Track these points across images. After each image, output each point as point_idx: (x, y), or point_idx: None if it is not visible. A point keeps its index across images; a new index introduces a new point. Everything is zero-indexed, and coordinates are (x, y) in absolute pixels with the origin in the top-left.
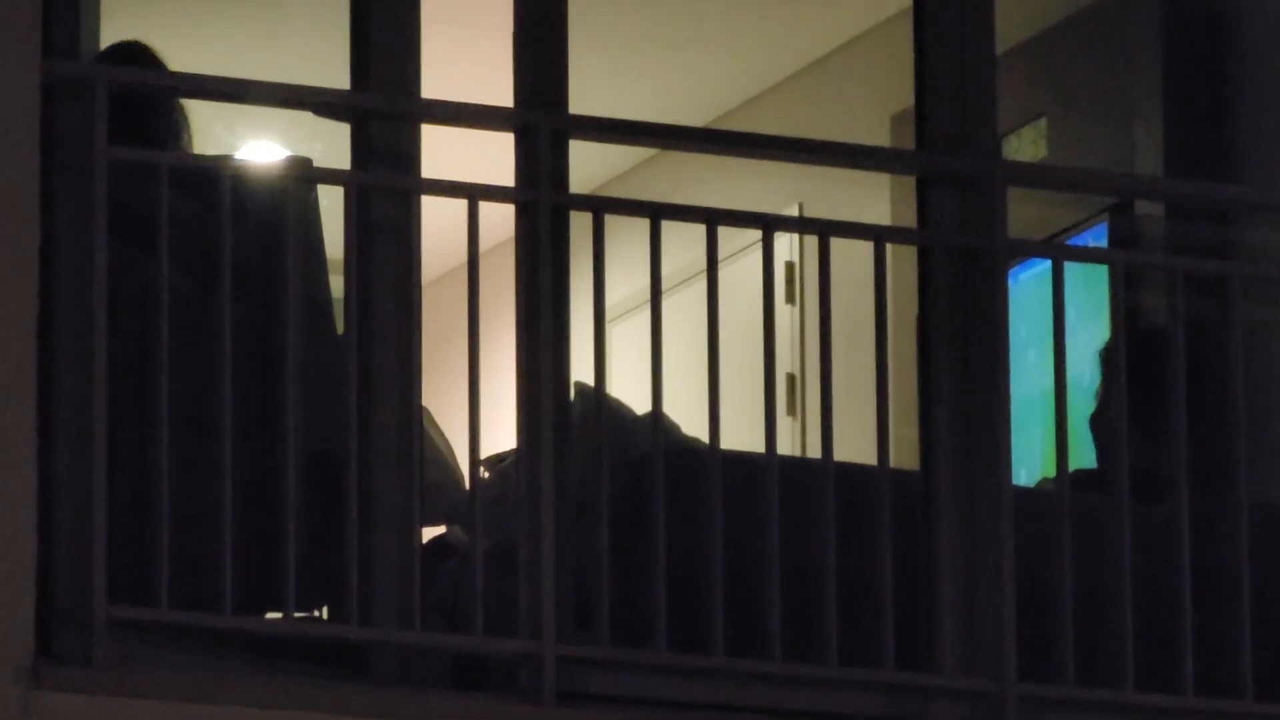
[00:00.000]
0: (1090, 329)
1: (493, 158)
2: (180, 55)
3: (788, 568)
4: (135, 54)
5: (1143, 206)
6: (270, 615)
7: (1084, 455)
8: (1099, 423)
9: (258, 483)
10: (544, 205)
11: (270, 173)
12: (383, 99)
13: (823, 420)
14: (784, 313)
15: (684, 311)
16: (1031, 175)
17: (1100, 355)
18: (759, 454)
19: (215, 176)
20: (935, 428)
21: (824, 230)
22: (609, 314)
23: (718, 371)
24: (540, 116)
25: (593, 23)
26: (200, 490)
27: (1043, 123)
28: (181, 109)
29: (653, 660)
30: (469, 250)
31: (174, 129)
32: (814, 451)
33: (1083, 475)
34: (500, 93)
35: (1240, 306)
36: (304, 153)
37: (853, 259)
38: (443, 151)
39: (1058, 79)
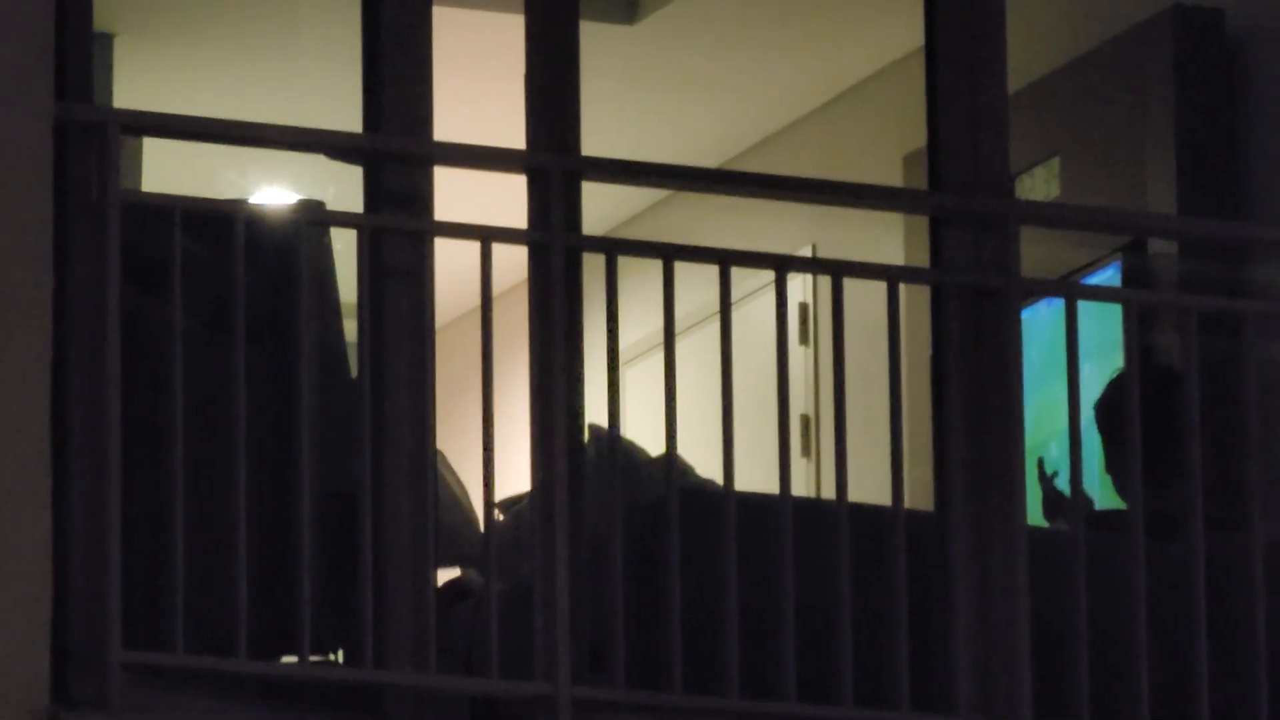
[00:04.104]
0: (1101, 369)
1: (506, 200)
2: (192, 99)
3: (802, 609)
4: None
5: (1156, 245)
6: (285, 659)
7: (1113, 496)
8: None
9: (272, 526)
10: (557, 247)
11: (283, 216)
12: (395, 141)
13: (837, 461)
14: (798, 354)
15: (698, 353)
16: (1044, 214)
17: (1095, 409)
18: (773, 495)
19: (228, 220)
20: (950, 468)
21: (837, 271)
22: (623, 356)
23: (731, 413)
24: (552, 158)
25: (605, 65)
26: (215, 534)
27: (1055, 162)
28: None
29: (668, 702)
30: (482, 292)
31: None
32: (828, 492)
33: (1111, 515)
34: (513, 135)
35: (1255, 344)
36: (316, 196)
37: (866, 299)
38: (456, 194)
39: (1070, 118)
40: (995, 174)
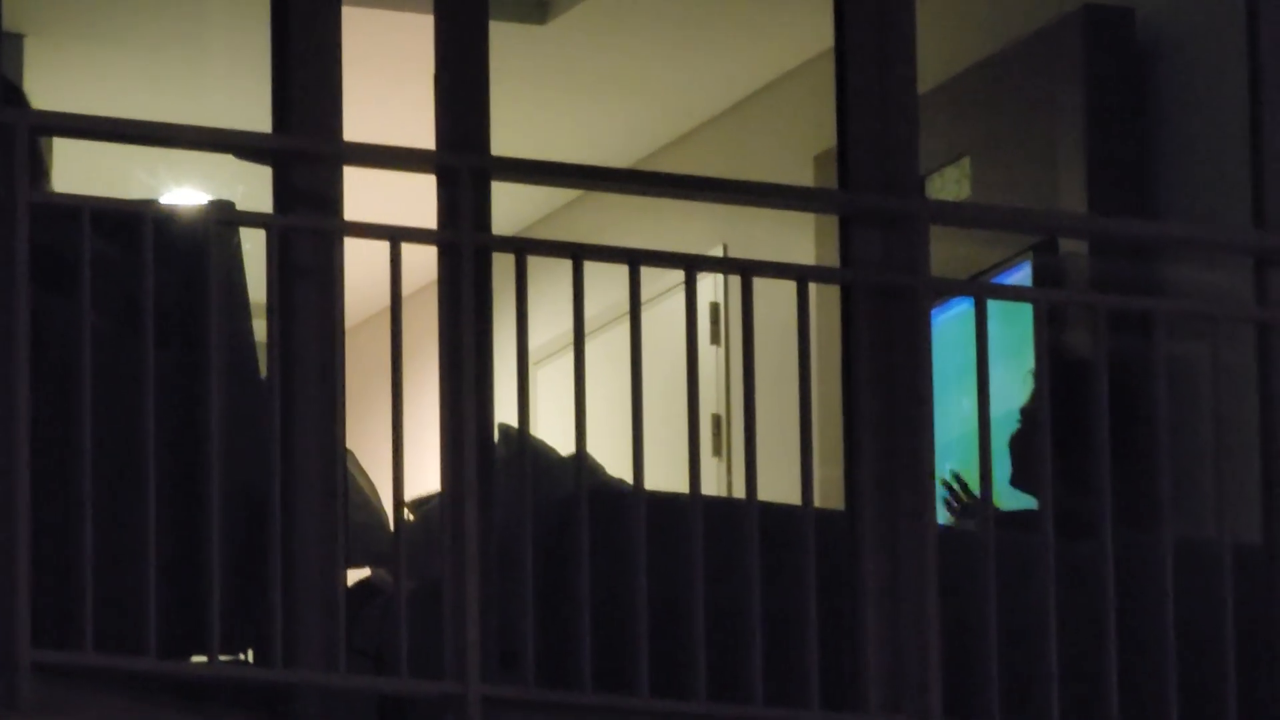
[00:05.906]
0: (1013, 369)
1: (417, 200)
2: (102, 100)
3: (713, 608)
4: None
5: (1066, 245)
6: (195, 658)
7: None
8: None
9: (182, 525)
10: (466, 247)
11: (192, 217)
12: (304, 141)
13: (747, 460)
14: (709, 353)
15: (608, 353)
16: (955, 214)
17: (1022, 412)
18: (684, 495)
19: (138, 220)
20: (860, 467)
21: (747, 270)
22: (533, 356)
23: (641, 413)
24: (462, 158)
25: (515, 65)
26: (124, 533)
27: (965, 162)
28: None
29: (578, 701)
30: (392, 292)
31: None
32: (739, 492)
33: (1020, 515)
34: (423, 135)
35: (1164, 343)
36: (226, 196)
37: (779, 299)
38: (367, 195)
39: (980, 118)
40: (906, 173)
